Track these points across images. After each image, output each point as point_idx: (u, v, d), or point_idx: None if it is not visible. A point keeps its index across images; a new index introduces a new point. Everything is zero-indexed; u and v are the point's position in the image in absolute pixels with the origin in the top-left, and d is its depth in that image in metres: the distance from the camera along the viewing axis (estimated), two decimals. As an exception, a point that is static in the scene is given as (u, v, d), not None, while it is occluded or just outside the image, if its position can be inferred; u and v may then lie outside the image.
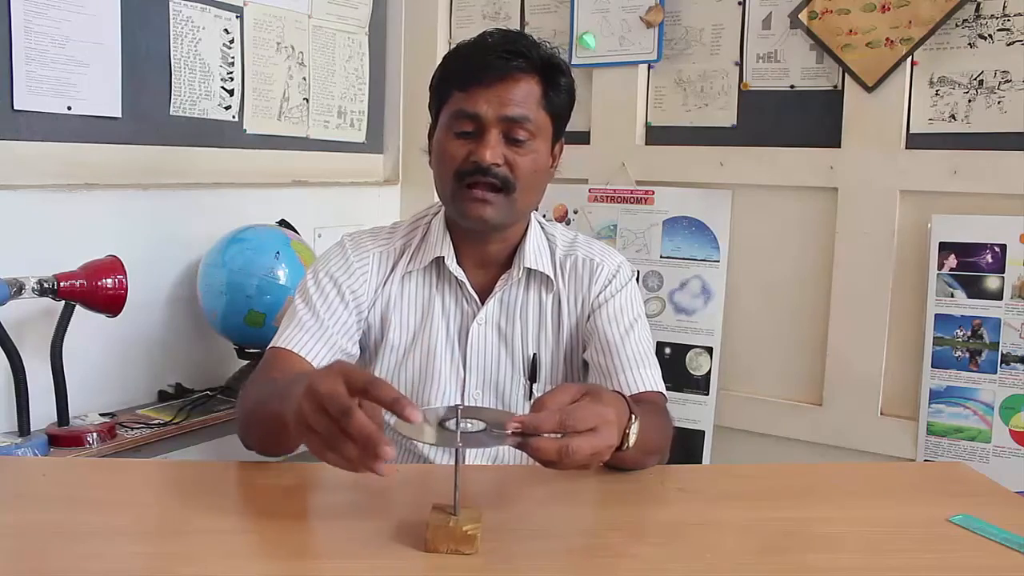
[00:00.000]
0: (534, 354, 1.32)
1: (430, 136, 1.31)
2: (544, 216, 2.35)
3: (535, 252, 1.32)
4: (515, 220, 1.28)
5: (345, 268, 1.31)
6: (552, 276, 1.33)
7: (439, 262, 1.32)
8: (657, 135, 2.36)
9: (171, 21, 2.05)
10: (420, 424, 0.86)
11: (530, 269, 1.32)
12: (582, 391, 0.95)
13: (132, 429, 1.83)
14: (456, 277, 1.31)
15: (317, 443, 0.87)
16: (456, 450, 0.90)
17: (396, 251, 1.34)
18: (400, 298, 1.32)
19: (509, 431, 0.87)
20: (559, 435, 0.89)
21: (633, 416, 1.00)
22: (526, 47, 1.23)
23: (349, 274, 1.31)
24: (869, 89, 2.04)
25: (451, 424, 0.89)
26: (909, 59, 2.00)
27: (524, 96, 1.22)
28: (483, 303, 1.32)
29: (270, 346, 1.27)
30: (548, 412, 0.89)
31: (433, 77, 1.29)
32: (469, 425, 0.89)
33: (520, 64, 1.21)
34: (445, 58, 1.29)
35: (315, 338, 1.25)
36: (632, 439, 0.99)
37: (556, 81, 1.25)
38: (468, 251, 1.32)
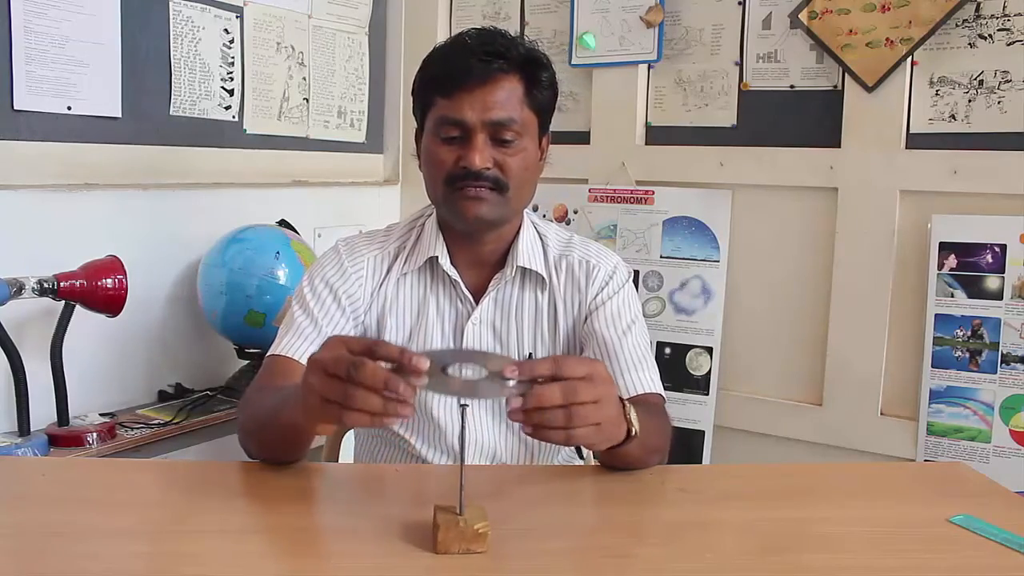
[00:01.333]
0: (530, 353, 1.32)
1: (417, 139, 1.31)
2: (544, 216, 2.34)
3: (528, 251, 1.32)
4: (509, 217, 1.28)
5: (340, 273, 1.31)
6: (545, 275, 1.33)
7: (433, 262, 1.31)
8: (657, 135, 2.36)
9: (171, 21, 2.05)
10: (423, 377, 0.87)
11: (524, 268, 1.31)
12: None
13: (132, 429, 1.83)
14: (450, 277, 1.31)
15: (335, 410, 0.88)
16: (460, 449, 0.91)
17: (391, 254, 1.34)
18: (396, 300, 1.32)
19: (509, 380, 0.88)
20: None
21: (626, 404, 1.03)
22: (505, 46, 1.22)
23: (344, 279, 1.31)
24: (869, 89, 2.04)
25: (452, 370, 0.88)
26: (909, 59, 2.00)
27: (507, 97, 1.21)
28: (478, 303, 1.32)
29: (269, 353, 1.28)
30: (541, 359, 0.93)
31: (414, 82, 1.29)
32: (469, 371, 0.89)
33: (501, 65, 1.20)
34: (424, 62, 1.27)
35: (314, 345, 1.25)
36: (636, 425, 1.02)
37: (538, 77, 1.25)
38: (462, 251, 1.32)
